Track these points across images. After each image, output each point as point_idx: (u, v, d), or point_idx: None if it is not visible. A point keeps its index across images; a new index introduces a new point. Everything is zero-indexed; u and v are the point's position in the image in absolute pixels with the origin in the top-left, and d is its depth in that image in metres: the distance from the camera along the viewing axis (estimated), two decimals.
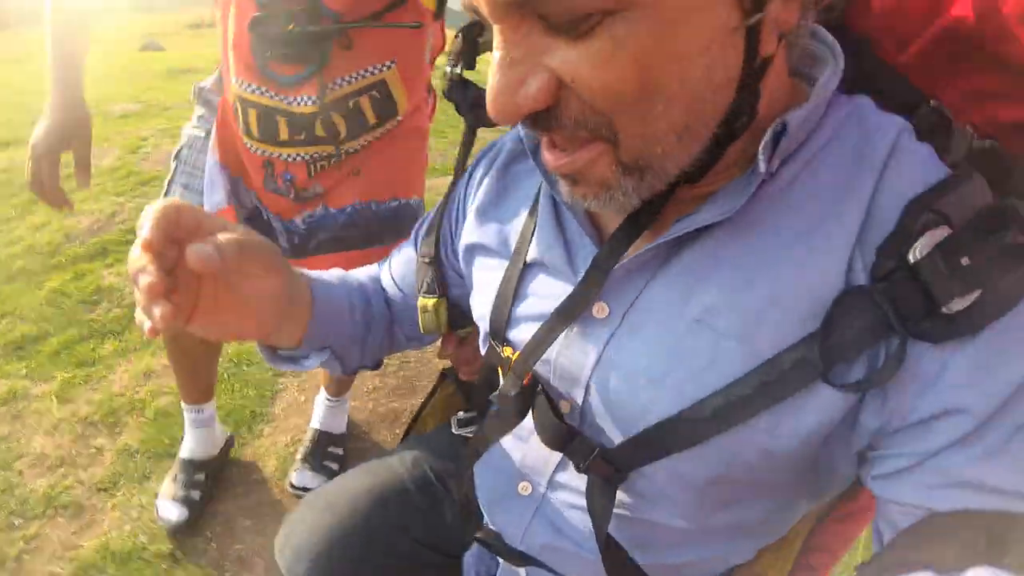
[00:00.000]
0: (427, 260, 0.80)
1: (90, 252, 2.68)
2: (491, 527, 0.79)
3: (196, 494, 1.62)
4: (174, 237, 0.53)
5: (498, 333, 0.68)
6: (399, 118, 1.26)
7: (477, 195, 0.74)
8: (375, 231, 1.31)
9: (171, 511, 1.58)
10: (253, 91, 1.18)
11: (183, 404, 1.65)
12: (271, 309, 0.63)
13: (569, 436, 0.60)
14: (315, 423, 1.79)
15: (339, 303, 0.78)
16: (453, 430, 0.90)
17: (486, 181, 0.73)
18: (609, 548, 0.62)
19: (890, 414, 0.48)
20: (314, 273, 0.78)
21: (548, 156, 0.51)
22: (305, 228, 1.32)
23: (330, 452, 1.74)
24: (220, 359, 1.95)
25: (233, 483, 1.71)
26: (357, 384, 2.00)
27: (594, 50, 0.42)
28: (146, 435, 1.82)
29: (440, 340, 0.94)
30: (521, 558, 0.74)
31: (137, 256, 0.51)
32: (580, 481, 0.64)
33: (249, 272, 0.58)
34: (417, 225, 0.87)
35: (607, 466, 0.58)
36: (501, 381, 0.68)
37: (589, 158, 0.48)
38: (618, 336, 0.58)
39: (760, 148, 0.47)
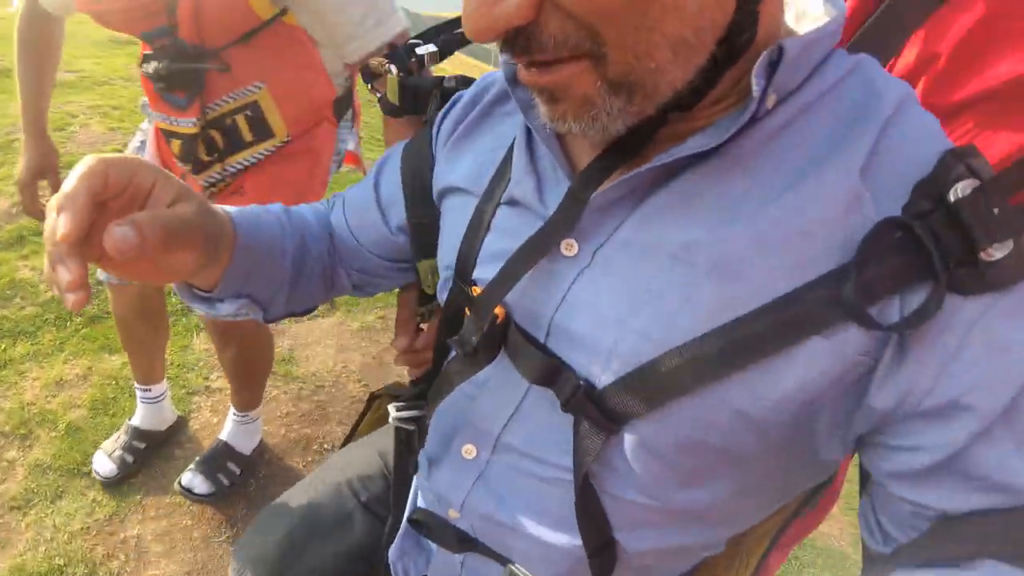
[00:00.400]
0: (426, 222, 0.77)
1: (6, 240, 2.63)
2: (422, 505, 0.79)
3: (130, 458, 1.84)
4: (98, 200, 0.51)
5: (464, 272, 0.66)
6: (282, 140, 1.40)
7: (451, 139, 0.72)
8: None
9: (103, 465, 1.81)
10: (157, 118, 1.38)
11: (134, 382, 1.87)
12: (186, 269, 0.61)
13: (556, 367, 0.57)
14: (222, 435, 1.90)
15: (267, 247, 0.74)
16: (390, 420, 0.89)
17: (465, 122, 0.71)
18: (586, 490, 0.59)
19: (904, 391, 0.46)
20: (246, 210, 0.74)
21: (525, 74, 0.48)
22: None
23: (227, 467, 1.86)
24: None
25: (145, 505, 1.80)
26: (271, 408, 2.11)
27: None
28: (58, 450, 1.88)
29: (395, 332, 0.95)
30: (458, 541, 0.73)
31: (54, 241, 0.48)
32: (528, 444, 0.62)
33: (170, 249, 0.55)
34: (374, 171, 0.84)
35: (592, 407, 0.55)
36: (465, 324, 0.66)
37: (570, 73, 0.45)
38: (586, 275, 0.55)
39: (753, 71, 0.45)
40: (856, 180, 0.46)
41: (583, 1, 0.40)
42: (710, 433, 0.51)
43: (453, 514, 0.72)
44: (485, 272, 0.63)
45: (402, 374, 2.42)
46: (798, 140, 0.49)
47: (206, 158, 1.39)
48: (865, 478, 0.59)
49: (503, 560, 0.71)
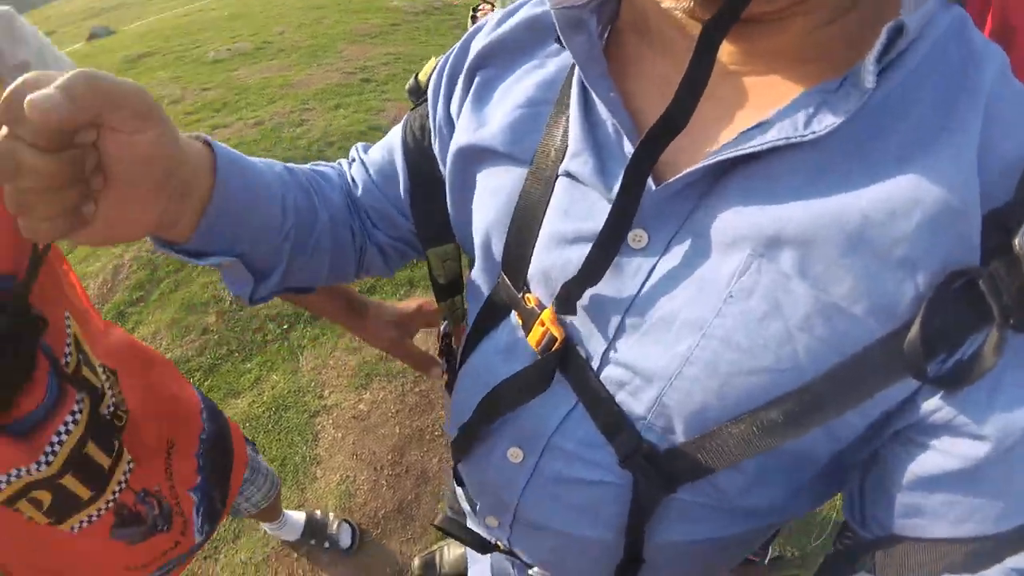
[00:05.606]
0: (433, 207, 0.69)
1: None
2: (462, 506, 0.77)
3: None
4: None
5: (516, 268, 0.56)
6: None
7: (472, 89, 0.61)
8: None
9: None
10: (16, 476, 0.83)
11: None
12: (150, 180, 0.46)
13: (617, 419, 0.52)
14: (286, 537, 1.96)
15: (262, 195, 0.61)
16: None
17: (491, 67, 0.60)
18: (634, 533, 0.57)
19: (948, 400, 0.43)
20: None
21: None
22: None
23: (328, 535, 1.96)
24: (260, 406, 2.32)
25: None
26: (382, 411, 2.32)
27: None
28: None
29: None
30: (480, 545, 0.73)
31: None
32: (581, 447, 0.56)
33: (115, 123, 0.42)
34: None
35: (649, 467, 0.51)
36: (513, 324, 0.59)
37: None
38: (659, 270, 0.48)
39: (872, 58, 0.38)
40: (973, 168, 0.40)
41: None
42: (789, 443, 0.47)
43: (492, 522, 0.69)
44: (545, 260, 0.54)
45: None
46: (900, 113, 0.41)
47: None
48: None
49: (525, 563, 0.70)
